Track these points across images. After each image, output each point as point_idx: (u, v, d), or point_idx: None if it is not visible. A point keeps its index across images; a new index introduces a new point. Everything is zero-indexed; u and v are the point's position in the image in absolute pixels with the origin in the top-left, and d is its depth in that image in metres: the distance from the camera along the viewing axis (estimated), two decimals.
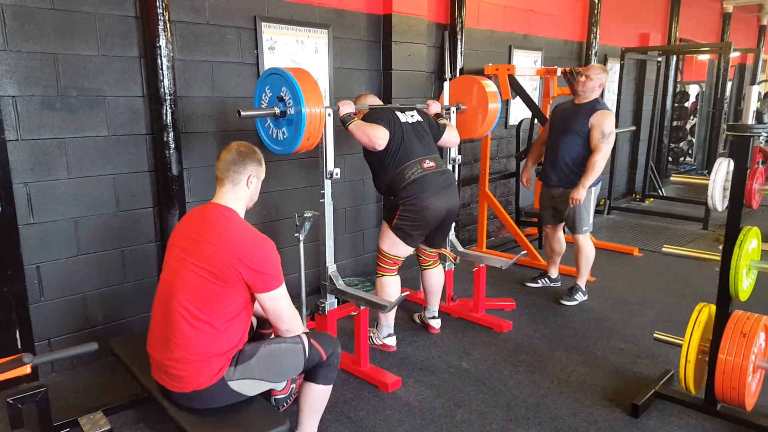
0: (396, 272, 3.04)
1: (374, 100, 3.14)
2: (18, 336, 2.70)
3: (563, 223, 3.98)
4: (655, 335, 2.67)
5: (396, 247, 2.96)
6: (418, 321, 3.51)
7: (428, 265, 3.28)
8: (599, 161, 3.56)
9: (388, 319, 3.13)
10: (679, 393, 2.61)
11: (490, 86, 3.55)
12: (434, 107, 3.27)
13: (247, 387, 1.95)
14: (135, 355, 2.33)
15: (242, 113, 2.44)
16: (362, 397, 2.70)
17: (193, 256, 1.89)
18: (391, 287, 3.02)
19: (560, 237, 4.05)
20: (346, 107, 2.81)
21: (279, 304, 1.95)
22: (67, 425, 2.38)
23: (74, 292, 2.91)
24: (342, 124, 2.80)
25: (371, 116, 2.90)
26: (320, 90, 2.54)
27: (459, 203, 3.10)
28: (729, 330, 2.33)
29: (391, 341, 3.14)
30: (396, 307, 3.00)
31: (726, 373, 2.30)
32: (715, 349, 2.35)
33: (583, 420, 2.52)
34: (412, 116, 3.04)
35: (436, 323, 3.39)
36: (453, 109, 3.47)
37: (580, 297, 3.86)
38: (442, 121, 3.21)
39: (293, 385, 2.55)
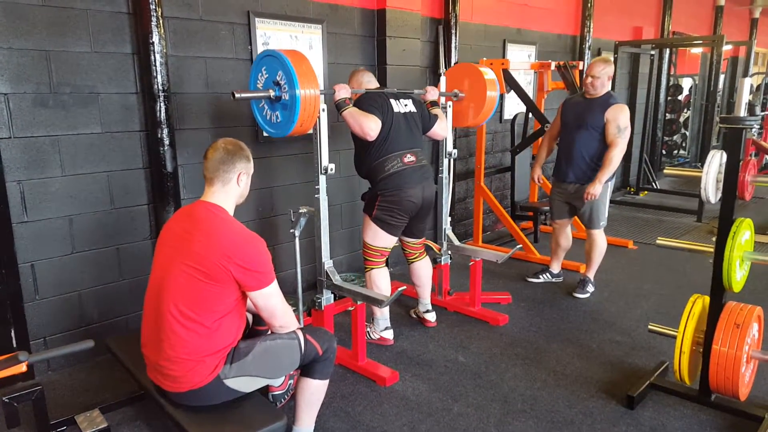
0: (383, 264, 3.09)
1: (370, 78, 3.10)
2: (13, 334, 2.69)
3: (572, 219, 3.98)
4: (649, 327, 2.69)
5: (379, 238, 3.02)
6: (414, 316, 3.52)
7: (414, 258, 3.33)
8: (616, 156, 3.54)
9: (383, 313, 3.15)
10: (673, 384, 2.63)
11: (489, 74, 3.49)
12: (431, 94, 3.24)
13: (244, 384, 1.95)
14: (131, 353, 2.32)
15: (236, 95, 2.41)
16: (359, 391, 2.71)
17: (182, 255, 1.87)
18: (380, 279, 3.07)
19: (568, 232, 4.04)
20: (342, 92, 2.79)
21: (271, 301, 1.94)
22: (63, 423, 2.38)
23: (69, 290, 2.90)
24: (336, 108, 2.80)
25: (366, 102, 2.88)
26: (315, 72, 2.50)
27: (434, 194, 3.14)
28: (723, 321, 2.35)
29: (389, 334, 3.16)
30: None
31: (720, 363, 2.32)
32: (709, 340, 2.37)
33: (579, 412, 2.54)
34: (405, 105, 3.04)
35: (430, 316, 3.40)
36: (449, 104, 3.45)
37: (590, 288, 3.89)
38: (434, 111, 3.21)
39: (291, 381, 2.55)
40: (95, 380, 2.81)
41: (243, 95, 2.46)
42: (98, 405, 2.48)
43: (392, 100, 2.98)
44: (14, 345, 2.68)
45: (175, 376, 1.88)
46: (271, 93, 2.50)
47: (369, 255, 3.08)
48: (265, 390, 2.41)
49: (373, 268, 3.08)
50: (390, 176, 2.91)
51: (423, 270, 3.35)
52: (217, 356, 1.89)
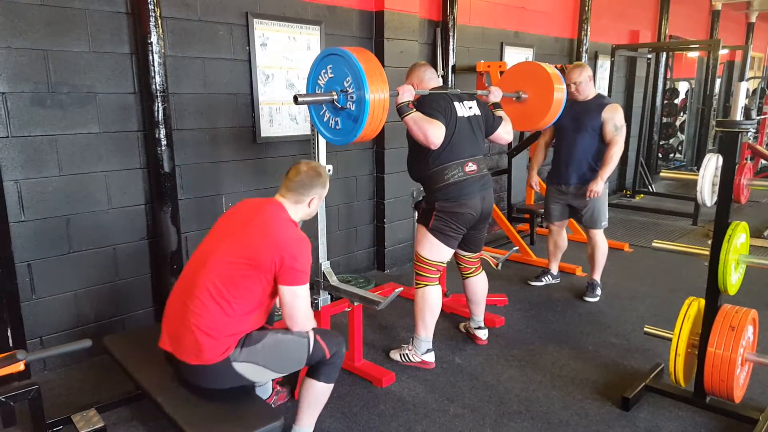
0: (437, 281, 2.90)
1: (432, 74, 2.89)
2: (9, 334, 2.67)
3: (568, 220, 4.02)
4: (645, 329, 2.70)
5: (436, 251, 2.84)
6: (463, 331, 3.38)
7: (470, 273, 3.12)
8: (616, 153, 3.62)
9: (428, 333, 2.91)
10: (669, 386, 2.64)
11: (555, 73, 3.30)
12: (494, 96, 3.09)
13: (249, 371, 1.99)
14: (128, 353, 2.32)
15: (299, 99, 2.22)
16: (356, 392, 2.72)
17: (235, 238, 1.98)
18: (433, 298, 2.86)
19: (564, 234, 4.10)
20: (405, 95, 2.61)
21: (297, 302, 2.00)
22: (60, 423, 2.37)
23: (66, 289, 2.90)
24: (398, 113, 2.63)
25: (428, 106, 2.68)
26: (384, 73, 2.31)
27: (492, 205, 2.95)
28: (718, 324, 2.36)
29: (430, 357, 2.94)
30: (437, 319, 2.92)
31: (715, 366, 2.34)
32: (704, 342, 2.38)
33: (575, 413, 2.55)
34: (470, 108, 2.85)
35: (482, 334, 3.22)
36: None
37: (599, 291, 3.91)
38: (498, 113, 3.03)
39: (275, 397, 2.58)
40: (91, 380, 2.81)
41: (306, 99, 2.27)
42: (95, 405, 2.47)
43: (456, 103, 2.79)
44: (10, 344, 2.68)
45: (188, 346, 1.93)
46: (334, 94, 2.31)
47: (423, 270, 2.87)
48: None
49: (427, 285, 2.86)
50: (449, 186, 2.74)
51: (478, 286, 3.13)
52: (232, 339, 1.95)
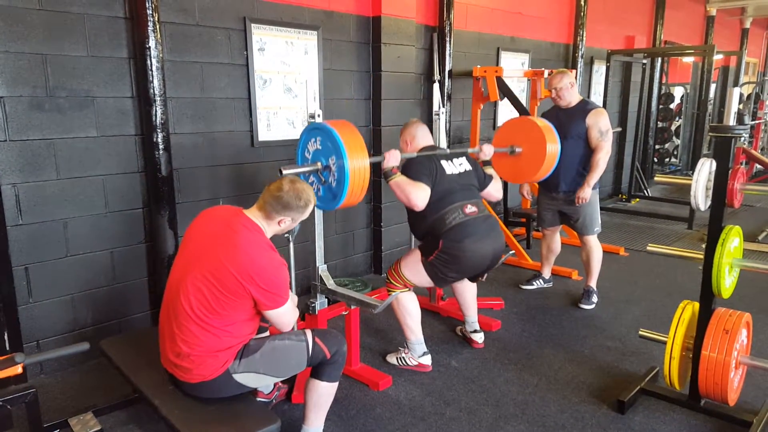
0: (409, 289, 2.92)
1: (424, 132, 2.99)
2: (6, 338, 2.67)
3: (561, 225, 4.03)
4: (640, 333, 2.72)
5: (418, 278, 2.85)
6: (459, 334, 3.40)
7: None
8: (602, 159, 3.61)
9: (417, 336, 2.95)
10: (664, 389, 2.66)
11: (547, 126, 3.37)
12: (485, 154, 3.12)
13: (251, 380, 2.00)
14: (125, 356, 2.33)
15: (284, 171, 2.29)
16: (353, 396, 2.72)
17: (206, 261, 1.93)
18: (408, 302, 2.89)
19: (558, 238, 4.11)
20: (391, 161, 2.68)
21: (284, 318, 2.02)
22: (56, 426, 2.38)
23: (63, 293, 2.90)
24: (383, 177, 2.74)
25: (414, 168, 2.77)
26: (364, 143, 2.43)
27: (503, 246, 2.91)
28: (712, 327, 2.38)
29: (427, 360, 2.96)
30: (420, 320, 2.93)
31: (709, 369, 2.35)
32: (699, 345, 2.40)
33: (571, 417, 2.56)
34: (460, 165, 2.92)
35: (478, 337, 3.23)
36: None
37: (595, 299, 3.89)
38: (488, 171, 3.08)
39: (277, 393, 2.60)
40: (88, 383, 2.81)
41: (291, 171, 2.34)
42: (91, 408, 2.48)
43: (443, 162, 2.85)
44: (7, 348, 2.67)
45: (187, 368, 1.94)
46: (319, 166, 2.46)
47: (395, 279, 2.89)
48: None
49: (402, 291, 2.88)
50: (453, 229, 2.70)
51: (467, 292, 3.20)
52: (228, 352, 1.95)
